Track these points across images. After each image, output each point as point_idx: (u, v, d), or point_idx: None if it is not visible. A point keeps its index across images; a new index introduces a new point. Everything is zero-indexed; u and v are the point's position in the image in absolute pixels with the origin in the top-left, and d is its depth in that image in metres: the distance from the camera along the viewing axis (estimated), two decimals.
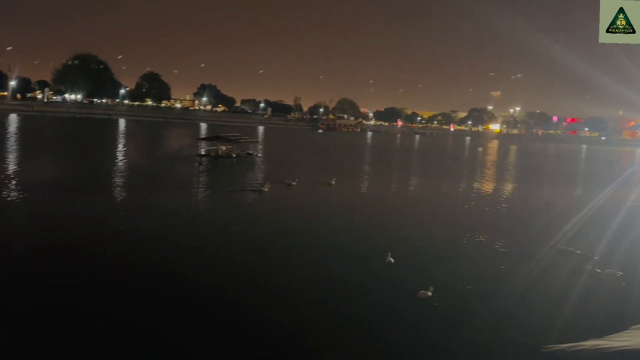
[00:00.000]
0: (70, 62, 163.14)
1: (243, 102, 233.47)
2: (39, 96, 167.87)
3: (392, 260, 18.15)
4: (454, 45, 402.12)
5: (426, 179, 49.93)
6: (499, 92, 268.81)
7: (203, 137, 63.03)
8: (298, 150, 76.56)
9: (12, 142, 54.98)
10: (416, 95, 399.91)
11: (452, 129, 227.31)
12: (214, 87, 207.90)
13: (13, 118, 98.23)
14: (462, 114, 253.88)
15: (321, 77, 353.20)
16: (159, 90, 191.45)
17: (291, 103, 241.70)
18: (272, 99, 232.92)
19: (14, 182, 29.81)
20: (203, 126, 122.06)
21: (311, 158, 64.03)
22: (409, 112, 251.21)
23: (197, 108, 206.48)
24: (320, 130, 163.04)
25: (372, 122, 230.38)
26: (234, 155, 51.84)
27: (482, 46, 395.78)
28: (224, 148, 53.00)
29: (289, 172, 41.83)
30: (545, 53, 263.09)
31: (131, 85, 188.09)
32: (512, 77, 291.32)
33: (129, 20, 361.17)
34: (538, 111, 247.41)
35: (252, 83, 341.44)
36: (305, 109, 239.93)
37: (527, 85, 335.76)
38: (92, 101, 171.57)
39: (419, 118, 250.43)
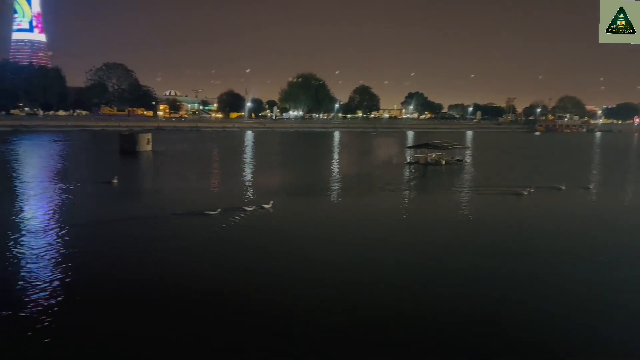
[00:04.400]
0: (294, 81, 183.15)
1: (450, 107, 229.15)
2: (269, 114, 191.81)
3: None
4: None
5: None
6: None
7: (412, 145, 63.86)
8: (513, 155, 71.89)
9: (248, 155, 64.25)
10: None
11: None
12: (421, 94, 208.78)
13: (249, 134, 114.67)
14: None
15: (540, 77, 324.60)
16: (369, 102, 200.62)
17: (503, 105, 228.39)
18: (482, 102, 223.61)
19: (259, 189, 34.18)
20: (410, 134, 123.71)
21: (530, 162, 59.42)
22: None
23: (403, 117, 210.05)
24: (537, 133, 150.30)
25: (600, 121, 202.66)
26: (444, 162, 51.34)
27: None
28: (433, 155, 52.91)
29: (504, 177, 39.89)
30: None
31: (345, 100, 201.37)
32: None
33: (345, 39, 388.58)
34: None
35: (461, 88, 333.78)
36: (519, 110, 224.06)
37: None
38: (311, 116, 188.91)
39: None
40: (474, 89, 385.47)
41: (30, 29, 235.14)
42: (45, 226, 22.33)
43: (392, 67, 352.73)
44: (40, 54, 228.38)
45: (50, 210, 26.09)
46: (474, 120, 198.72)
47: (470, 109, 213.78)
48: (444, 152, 53.09)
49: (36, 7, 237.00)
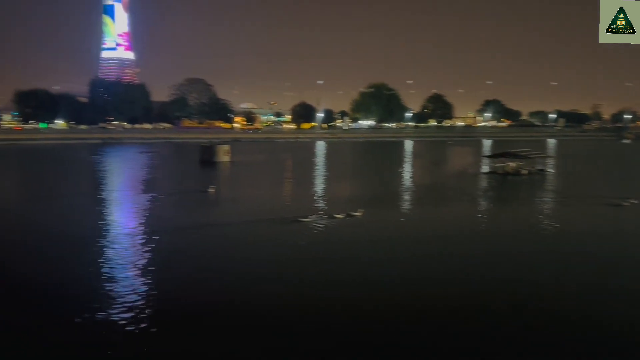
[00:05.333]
0: (365, 91, 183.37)
1: (530, 114, 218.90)
2: (340, 124, 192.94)
3: None
4: None
5: None
6: None
7: (489, 154, 61.68)
8: (601, 164, 67.37)
9: (322, 165, 64.95)
10: None
11: None
12: (498, 102, 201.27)
13: (321, 144, 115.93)
14: None
15: (629, 83, 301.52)
16: (442, 110, 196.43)
17: (588, 111, 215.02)
18: (564, 108, 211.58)
19: (339, 198, 34.88)
20: (487, 143, 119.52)
21: (622, 172, 55.43)
22: None
23: (479, 125, 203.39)
24: (627, 140, 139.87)
25: None
26: (524, 172, 49.06)
27: None
28: (512, 165, 50.74)
29: (596, 187, 37.61)
30: None
31: (417, 109, 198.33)
32: None
33: (417, 48, 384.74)
34: None
35: (542, 95, 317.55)
36: (606, 117, 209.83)
37: None
38: (383, 126, 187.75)
39: None
40: (556, 95, 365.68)
41: (115, 48, 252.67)
42: (182, 228, 24.82)
43: (467, 75, 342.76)
44: (128, 71, 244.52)
45: (172, 216, 28.41)
46: (557, 127, 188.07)
47: (552, 115, 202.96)
48: (525, 161, 50.71)
49: (121, 26, 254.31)
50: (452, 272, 17.94)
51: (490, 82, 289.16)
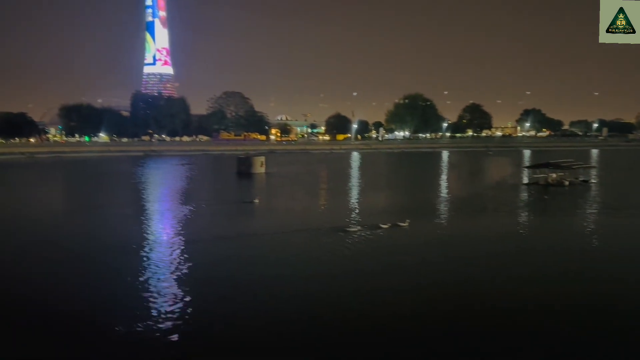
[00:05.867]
0: (401, 102, 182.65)
1: (572, 124, 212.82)
2: (374, 135, 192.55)
3: None
4: None
5: None
6: None
7: (529, 164, 60.20)
8: None
9: (358, 176, 64.81)
10: None
11: None
12: (539, 111, 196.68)
13: (356, 155, 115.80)
14: None
15: None
16: (480, 120, 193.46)
17: (632, 120, 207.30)
18: (608, 118, 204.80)
19: (380, 208, 34.72)
20: (527, 153, 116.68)
21: None
22: None
23: (518, 135, 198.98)
24: None
25: None
26: (567, 183, 47.56)
27: None
28: (554, 175, 49.26)
29: None
30: None
31: (453, 119, 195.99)
32: None
33: (454, 57, 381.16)
34: None
35: (584, 104, 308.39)
36: None
37: None
38: (418, 136, 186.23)
39: None
40: (599, 104, 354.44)
41: (153, 63, 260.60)
42: (246, 234, 26.10)
43: (505, 85, 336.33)
44: (168, 85, 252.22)
45: (228, 225, 29.28)
46: (600, 137, 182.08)
47: (595, 125, 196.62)
48: (567, 172, 49.21)
49: (161, 42, 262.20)
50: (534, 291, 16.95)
51: (529, 92, 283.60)
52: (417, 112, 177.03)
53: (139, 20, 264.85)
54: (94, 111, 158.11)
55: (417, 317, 14.59)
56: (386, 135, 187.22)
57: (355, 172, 71.59)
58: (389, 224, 26.99)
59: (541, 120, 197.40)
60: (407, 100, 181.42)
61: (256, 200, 37.67)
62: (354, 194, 45.37)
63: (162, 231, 28.09)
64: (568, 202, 39.25)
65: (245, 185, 52.58)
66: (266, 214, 33.84)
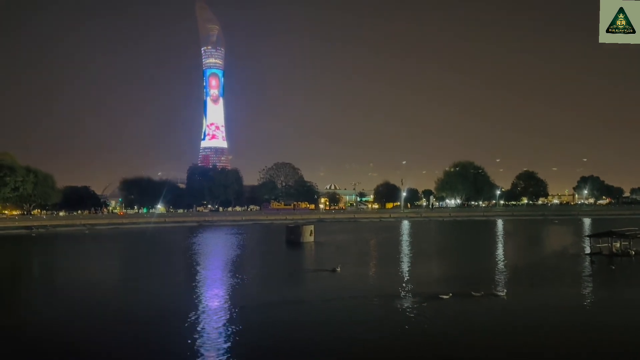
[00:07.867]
0: (451, 170, 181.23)
1: (633, 191, 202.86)
2: (424, 203, 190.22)
3: None
4: None
5: None
6: None
7: (591, 233, 57.44)
8: None
9: (408, 245, 63.68)
10: None
11: None
12: (597, 178, 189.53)
13: (406, 224, 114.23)
14: None
15: None
16: (535, 188, 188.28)
17: None
18: None
19: (450, 276, 35.75)
20: (587, 221, 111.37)
21: None
22: None
23: (577, 202, 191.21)
24: None
25: None
26: (633, 253, 44.91)
27: None
28: (618, 245, 46.79)
29: None
30: None
31: (507, 186, 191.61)
32: None
33: (505, 125, 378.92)
34: None
35: None
36: None
37: None
38: (469, 204, 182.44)
39: None
40: None
41: (203, 138, 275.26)
42: (337, 297, 28.82)
43: (560, 151, 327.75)
44: (222, 158, 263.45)
45: (320, 288, 32.04)
46: None
47: None
48: (632, 241, 46.63)
49: (213, 118, 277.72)
50: None
51: (585, 159, 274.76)
52: (468, 179, 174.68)
53: (199, 95, 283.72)
54: (152, 184, 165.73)
55: None
56: (436, 204, 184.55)
57: (405, 241, 70.39)
58: (482, 292, 28.60)
59: (600, 187, 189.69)
60: (457, 168, 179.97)
61: (338, 269, 39.02)
62: (411, 262, 45.73)
63: (215, 298, 28.65)
64: (638, 273, 37.11)
65: (300, 254, 53.07)
66: (357, 282, 35.01)
